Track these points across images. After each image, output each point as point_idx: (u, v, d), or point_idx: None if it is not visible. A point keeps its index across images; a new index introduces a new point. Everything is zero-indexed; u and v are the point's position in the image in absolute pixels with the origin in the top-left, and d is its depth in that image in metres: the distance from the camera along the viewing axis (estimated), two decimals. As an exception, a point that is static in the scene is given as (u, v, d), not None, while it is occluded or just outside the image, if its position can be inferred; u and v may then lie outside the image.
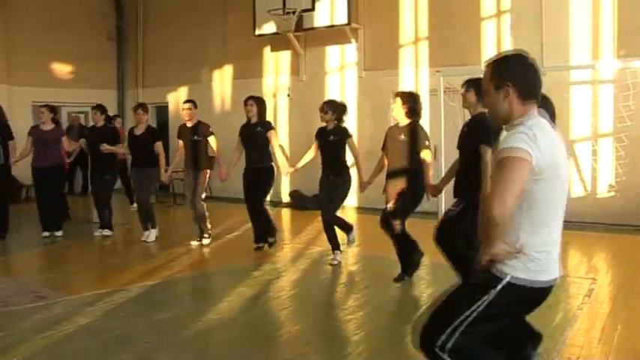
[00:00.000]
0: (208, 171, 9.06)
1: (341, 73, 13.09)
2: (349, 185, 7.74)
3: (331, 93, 13.04)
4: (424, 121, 11.35)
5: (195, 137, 8.92)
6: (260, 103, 8.60)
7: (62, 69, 15.94)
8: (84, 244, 9.72)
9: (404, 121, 6.95)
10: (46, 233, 9.90)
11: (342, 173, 7.69)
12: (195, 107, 9.09)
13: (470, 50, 11.39)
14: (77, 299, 6.48)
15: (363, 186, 7.42)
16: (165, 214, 12.28)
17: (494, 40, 11.33)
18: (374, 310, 6.06)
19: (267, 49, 14.01)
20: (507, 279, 2.89)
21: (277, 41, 13.55)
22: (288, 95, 13.70)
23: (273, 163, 8.55)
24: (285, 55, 13.77)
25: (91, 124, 15.91)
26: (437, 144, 10.57)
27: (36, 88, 14.89)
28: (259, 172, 8.42)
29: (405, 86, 12.01)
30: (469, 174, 5.54)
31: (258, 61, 14.13)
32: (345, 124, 7.92)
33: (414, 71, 12.14)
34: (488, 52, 11.29)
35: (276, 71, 14.00)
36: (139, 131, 9.52)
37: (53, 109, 10.32)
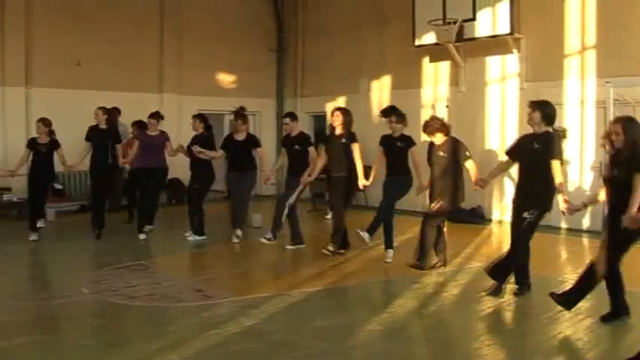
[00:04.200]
0: (308, 177, 9.35)
1: (502, 84, 12.71)
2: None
3: (491, 104, 12.74)
4: (590, 134, 11.00)
5: (297, 147, 9.40)
6: (346, 114, 9.04)
7: (225, 79, 16.66)
8: (242, 247, 10.03)
9: (441, 139, 8.00)
10: (143, 236, 10.48)
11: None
12: (295, 119, 9.70)
13: (643, 60, 10.68)
14: (240, 301, 6.72)
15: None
16: (320, 221, 12.46)
17: (671, 48, 10.54)
18: (540, 332, 5.80)
19: (426, 60, 13.89)
20: None
21: (436, 52, 13.39)
22: (447, 106, 13.47)
23: (348, 174, 8.88)
24: (445, 66, 13.59)
25: (251, 131, 16.75)
26: (602, 159, 10.05)
27: (201, 97, 15.71)
28: (336, 181, 8.96)
29: (570, 98, 11.51)
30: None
31: (416, 72, 14.03)
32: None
33: (580, 82, 11.55)
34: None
35: (435, 82, 13.84)
36: (240, 137, 10.10)
37: (160, 116, 10.94)
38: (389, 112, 8.74)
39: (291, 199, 9.31)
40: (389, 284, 7.72)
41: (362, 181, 8.79)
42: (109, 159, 10.52)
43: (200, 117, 10.77)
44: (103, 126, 10.59)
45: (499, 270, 6.79)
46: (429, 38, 13.14)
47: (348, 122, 8.95)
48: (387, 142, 8.70)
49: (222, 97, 16.14)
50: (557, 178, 6.49)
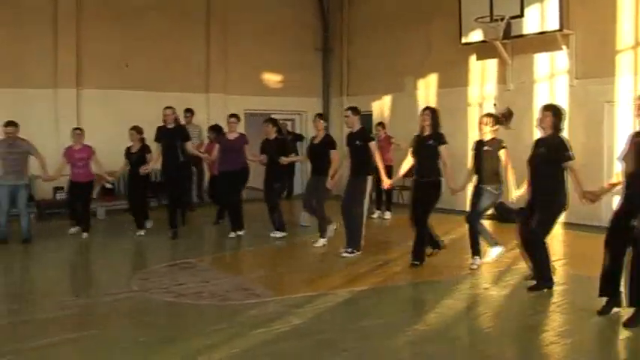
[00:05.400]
0: (369, 177, 9.06)
1: (550, 81, 12.49)
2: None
3: (539, 102, 12.45)
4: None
5: (358, 142, 9.04)
6: (435, 113, 8.48)
7: (272, 78, 16.74)
8: (290, 246, 10.16)
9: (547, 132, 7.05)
10: (233, 234, 10.61)
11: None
12: (357, 113, 9.24)
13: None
14: (288, 299, 6.77)
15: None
16: (368, 220, 12.40)
17: None
18: (583, 337, 5.70)
19: (472, 58, 13.74)
20: None
21: (483, 49, 13.23)
22: (495, 105, 13.30)
23: (441, 178, 8.37)
24: (492, 64, 13.41)
25: (298, 131, 16.90)
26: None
27: (248, 97, 15.84)
28: (424, 187, 8.35)
29: (622, 95, 11.25)
30: None
31: (463, 70, 13.89)
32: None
33: (633, 79, 11.26)
34: None
35: (481, 80, 13.67)
36: (316, 140, 9.92)
37: (239, 119, 11.11)
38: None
39: (365, 207, 9.10)
40: (437, 284, 7.64)
41: (452, 185, 8.31)
42: (179, 158, 10.59)
43: (272, 121, 10.81)
44: (171, 125, 10.68)
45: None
46: (475, 36, 13.00)
47: (436, 122, 8.41)
48: (477, 147, 8.20)
49: (269, 96, 16.27)
50: None
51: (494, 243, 8.35)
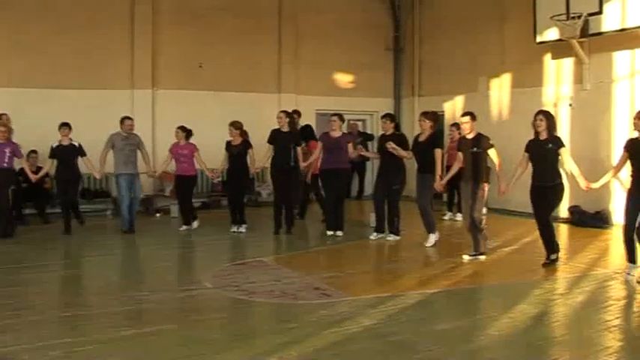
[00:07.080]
0: (487, 184, 8.79)
1: (631, 80, 12.03)
2: None
3: (619, 103, 12.10)
4: None
5: (475, 149, 8.76)
6: (549, 117, 8.27)
7: (342, 78, 16.79)
8: (361, 246, 10.12)
9: None
10: (330, 232, 10.65)
11: None
12: (474, 119, 8.96)
13: None
14: (359, 300, 6.76)
15: None
16: (440, 222, 12.31)
17: None
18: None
19: (547, 57, 13.40)
20: None
21: (559, 48, 12.89)
22: (570, 105, 12.96)
23: (562, 181, 8.20)
24: (568, 63, 13.04)
25: (368, 131, 16.84)
26: None
27: (319, 97, 15.96)
28: (547, 191, 8.11)
29: None
30: None
31: (537, 70, 13.56)
32: None
33: None
34: None
35: (557, 80, 13.31)
36: (422, 138, 9.79)
37: (342, 118, 11.04)
38: None
39: (483, 213, 8.94)
40: (510, 288, 7.49)
41: (585, 183, 7.95)
42: (291, 161, 10.76)
43: (390, 117, 10.60)
44: (285, 129, 10.84)
45: None
46: (551, 34, 12.66)
47: (551, 126, 8.22)
48: (635, 147, 7.50)
49: (339, 96, 16.31)
50: None
51: None
